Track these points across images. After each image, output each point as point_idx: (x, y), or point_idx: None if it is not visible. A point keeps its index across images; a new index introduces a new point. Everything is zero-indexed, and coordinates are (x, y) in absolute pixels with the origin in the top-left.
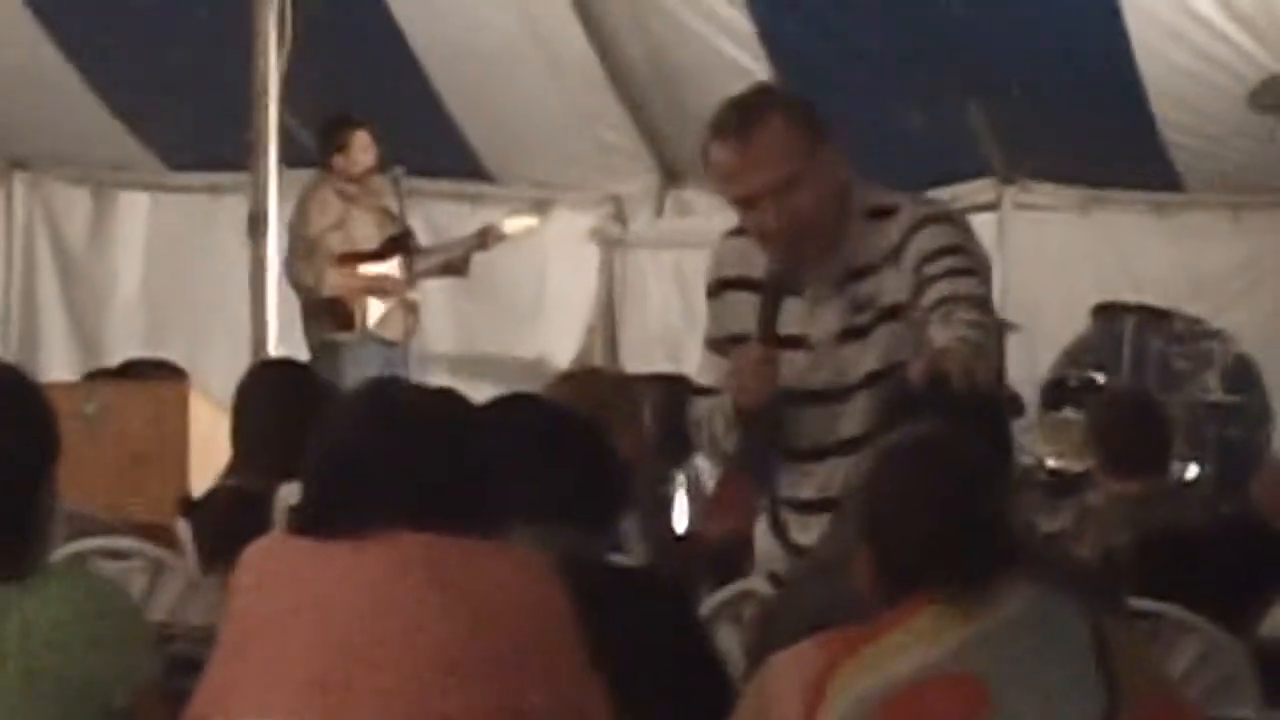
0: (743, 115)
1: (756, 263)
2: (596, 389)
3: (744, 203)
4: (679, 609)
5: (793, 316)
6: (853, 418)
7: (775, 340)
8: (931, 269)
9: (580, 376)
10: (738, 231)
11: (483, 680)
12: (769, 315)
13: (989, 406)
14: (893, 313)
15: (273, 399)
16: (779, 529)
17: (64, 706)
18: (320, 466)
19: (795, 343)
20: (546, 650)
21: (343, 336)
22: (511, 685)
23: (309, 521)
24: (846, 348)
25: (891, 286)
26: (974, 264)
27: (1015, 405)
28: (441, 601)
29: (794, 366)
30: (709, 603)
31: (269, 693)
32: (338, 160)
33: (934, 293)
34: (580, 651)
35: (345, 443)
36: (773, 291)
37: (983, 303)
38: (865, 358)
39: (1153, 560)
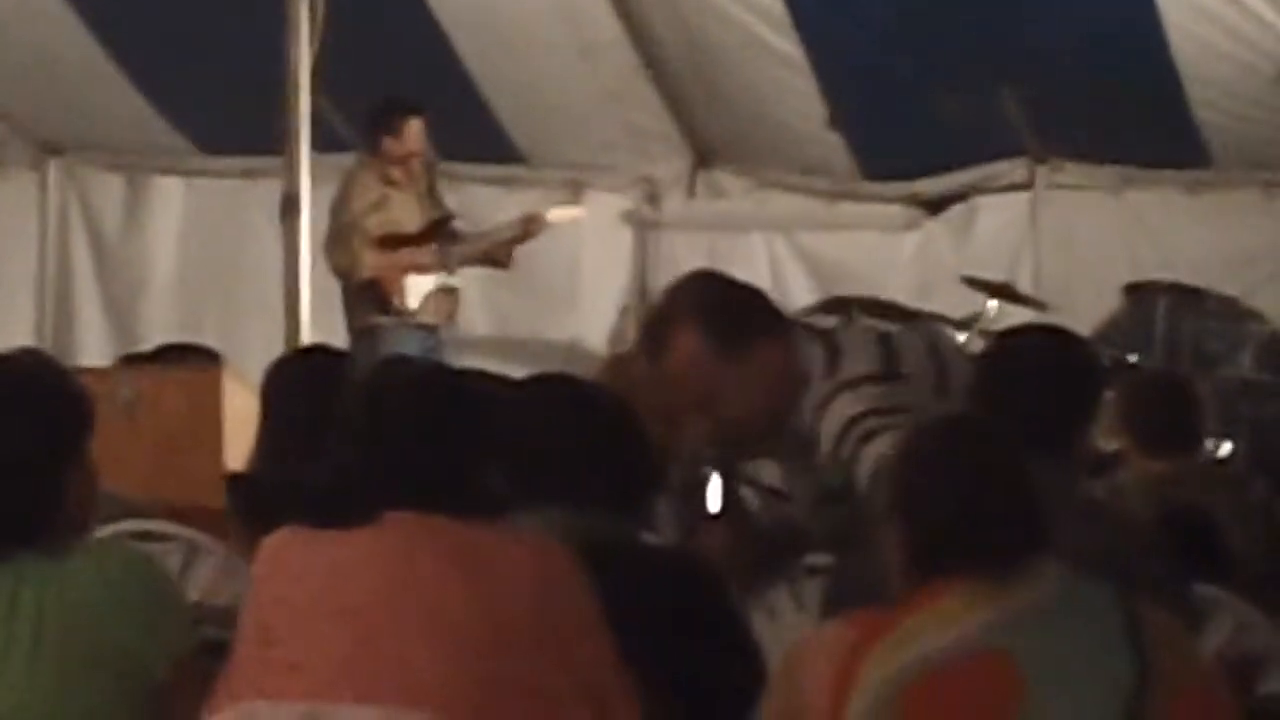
0: (654, 335)
1: None
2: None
3: (675, 413)
4: (711, 589)
5: (773, 476)
6: None
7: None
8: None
9: (630, 361)
10: None
11: (501, 658)
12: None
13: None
14: None
15: (302, 388)
16: None
17: (103, 678)
18: (333, 455)
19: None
20: (563, 632)
21: (381, 320)
22: (529, 664)
23: (324, 510)
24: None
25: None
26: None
27: None
28: (459, 582)
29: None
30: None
31: (305, 675)
32: (387, 142)
33: None
34: (601, 635)
35: (354, 432)
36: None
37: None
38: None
39: (1182, 537)
